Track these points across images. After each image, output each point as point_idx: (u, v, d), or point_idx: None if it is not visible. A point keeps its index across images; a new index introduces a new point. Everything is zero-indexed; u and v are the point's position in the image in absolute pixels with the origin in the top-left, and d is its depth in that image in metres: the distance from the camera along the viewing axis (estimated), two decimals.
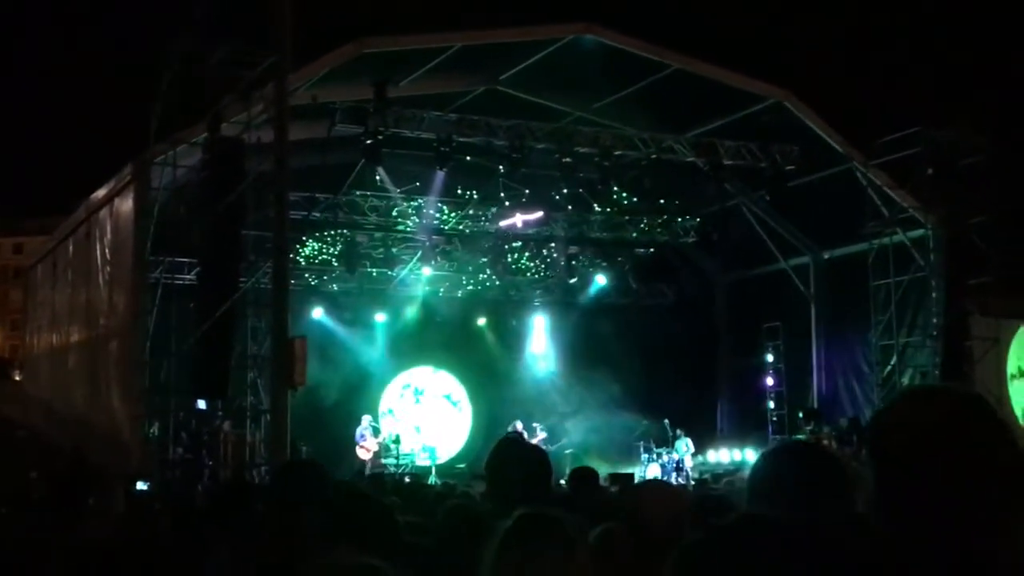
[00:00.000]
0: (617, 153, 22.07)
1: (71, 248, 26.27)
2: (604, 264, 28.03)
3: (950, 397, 2.05)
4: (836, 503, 2.33)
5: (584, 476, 7.21)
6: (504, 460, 4.07)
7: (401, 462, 23.94)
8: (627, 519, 3.73)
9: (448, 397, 27.74)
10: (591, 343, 27.44)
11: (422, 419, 26.79)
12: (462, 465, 25.05)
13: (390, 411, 26.52)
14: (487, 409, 27.17)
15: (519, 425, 23.89)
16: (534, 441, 21.17)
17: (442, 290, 27.32)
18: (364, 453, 23.52)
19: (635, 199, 25.80)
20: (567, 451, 23.84)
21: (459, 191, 24.63)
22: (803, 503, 2.37)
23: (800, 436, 23.90)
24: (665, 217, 26.49)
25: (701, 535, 1.56)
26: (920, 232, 22.60)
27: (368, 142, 20.07)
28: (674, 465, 24.24)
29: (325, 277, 26.16)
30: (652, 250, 27.79)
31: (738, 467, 24.51)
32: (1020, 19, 28.37)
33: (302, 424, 18.98)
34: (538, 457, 4.15)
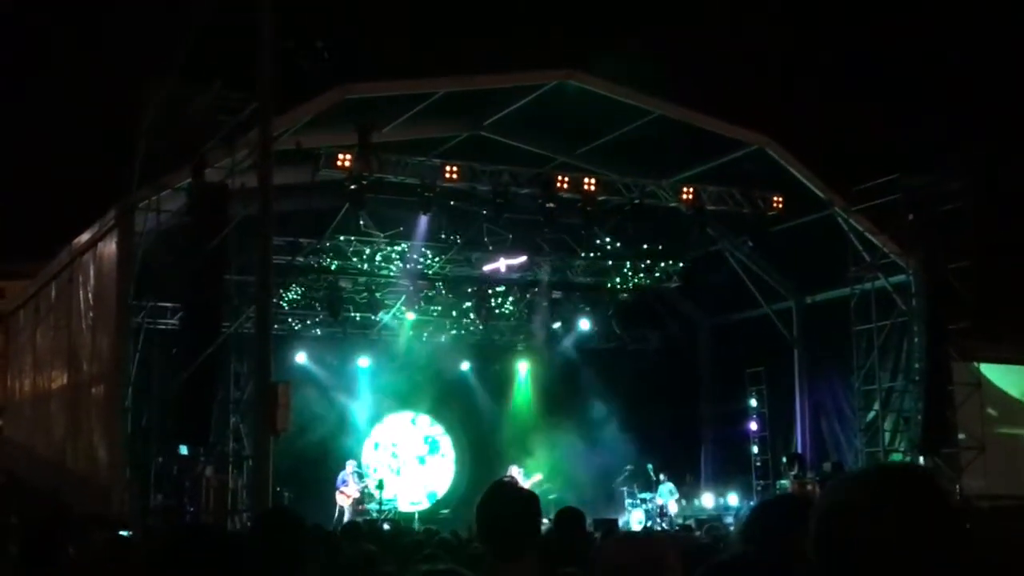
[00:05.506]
0: (600, 198, 22.14)
1: (54, 293, 26.13)
2: (587, 309, 28.05)
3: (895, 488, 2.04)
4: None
5: (571, 517, 7.11)
6: (494, 503, 4.07)
7: (384, 507, 23.70)
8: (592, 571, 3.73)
9: (435, 446, 27.54)
10: (575, 388, 27.43)
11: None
12: (446, 511, 24.86)
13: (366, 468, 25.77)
14: (471, 454, 27.05)
15: (514, 469, 23.60)
16: (527, 485, 20.93)
17: (426, 335, 27.29)
18: (343, 499, 23.15)
19: (618, 244, 25.89)
20: (550, 496, 23.68)
21: (443, 236, 24.64)
22: (789, 552, 2.40)
23: (784, 481, 23.87)
24: (648, 262, 26.54)
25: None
26: (901, 277, 22.70)
27: (352, 187, 20.09)
28: (658, 511, 24.13)
29: (308, 322, 26.09)
30: (635, 295, 27.82)
31: (721, 513, 24.47)
32: (997, 69, 28.70)
33: (285, 470, 18.88)
34: (527, 500, 4.16)
